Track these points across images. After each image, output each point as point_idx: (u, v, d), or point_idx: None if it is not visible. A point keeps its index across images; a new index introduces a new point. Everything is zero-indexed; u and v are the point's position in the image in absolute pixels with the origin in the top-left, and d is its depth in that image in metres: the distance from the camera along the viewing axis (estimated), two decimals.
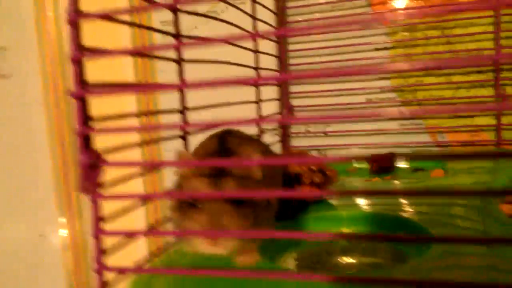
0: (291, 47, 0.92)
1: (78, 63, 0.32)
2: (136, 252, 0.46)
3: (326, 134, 0.92)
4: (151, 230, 0.42)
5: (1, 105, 1.01)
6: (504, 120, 0.82)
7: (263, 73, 0.78)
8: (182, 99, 0.48)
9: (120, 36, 0.95)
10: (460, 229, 0.43)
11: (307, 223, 0.50)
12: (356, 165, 0.83)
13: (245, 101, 0.71)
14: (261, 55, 0.79)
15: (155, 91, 0.97)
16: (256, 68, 0.75)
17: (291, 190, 0.51)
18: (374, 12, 0.87)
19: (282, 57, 0.89)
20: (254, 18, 0.73)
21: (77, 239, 1.01)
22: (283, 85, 0.90)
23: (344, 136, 0.91)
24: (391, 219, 0.47)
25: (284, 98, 0.90)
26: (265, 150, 0.51)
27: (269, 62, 0.85)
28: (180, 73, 0.48)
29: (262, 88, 0.78)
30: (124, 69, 0.96)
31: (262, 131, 0.75)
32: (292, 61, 0.92)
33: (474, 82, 0.84)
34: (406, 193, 0.48)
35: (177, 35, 0.49)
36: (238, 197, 0.36)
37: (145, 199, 0.42)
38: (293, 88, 0.93)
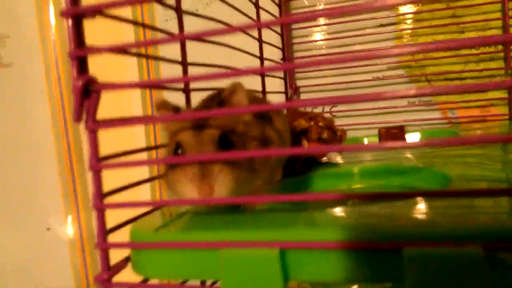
0: (295, 33, 0.91)
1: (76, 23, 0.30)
2: None
3: (332, 115, 0.90)
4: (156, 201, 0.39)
5: (3, 95, 1.00)
6: None
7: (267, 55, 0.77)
8: (184, 53, 0.47)
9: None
10: (478, 169, 0.41)
11: (316, 179, 0.48)
12: (365, 142, 0.81)
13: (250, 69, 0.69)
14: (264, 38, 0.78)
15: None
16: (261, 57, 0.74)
17: (298, 147, 0.49)
18: None
19: (286, 40, 0.88)
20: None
21: (83, 232, 0.99)
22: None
23: (352, 116, 0.89)
24: (405, 169, 0.45)
25: (289, 78, 0.89)
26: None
27: (273, 40, 0.84)
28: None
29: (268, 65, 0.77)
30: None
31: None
32: (296, 40, 0.91)
33: (484, 55, 0.82)
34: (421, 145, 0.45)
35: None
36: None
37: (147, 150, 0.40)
38: (298, 68, 0.91)
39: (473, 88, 0.27)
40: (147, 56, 0.41)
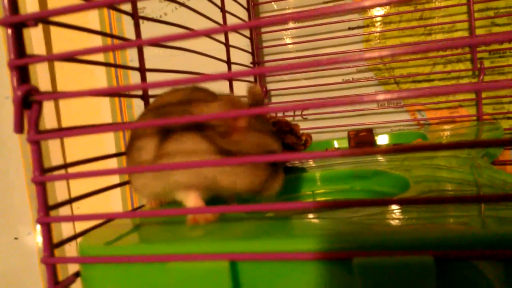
0: (264, 36, 0.90)
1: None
2: None
3: (303, 117, 0.90)
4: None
5: None
6: (484, 94, 0.81)
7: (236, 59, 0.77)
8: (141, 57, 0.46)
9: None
10: (441, 179, 0.41)
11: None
12: (336, 145, 0.81)
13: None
14: (233, 42, 0.77)
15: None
16: (228, 61, 0.73)
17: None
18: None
19: (255, 44, 0.87)
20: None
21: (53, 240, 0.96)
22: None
23: (323, 119, 0.89)
24: (366, 173, 0.45)
25: (259, 82, 0.88)
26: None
27: (242, 44, 0.84)
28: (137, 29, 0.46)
29: (236, 69, 0.76)
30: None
31: None
32: (266, 44, 0.90)
33: (451, 56, 0.83)
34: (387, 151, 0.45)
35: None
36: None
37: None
38: (268, 72, 0.91)
39: (441, 92, 0.27)
40: (100, 63, 0.40)
